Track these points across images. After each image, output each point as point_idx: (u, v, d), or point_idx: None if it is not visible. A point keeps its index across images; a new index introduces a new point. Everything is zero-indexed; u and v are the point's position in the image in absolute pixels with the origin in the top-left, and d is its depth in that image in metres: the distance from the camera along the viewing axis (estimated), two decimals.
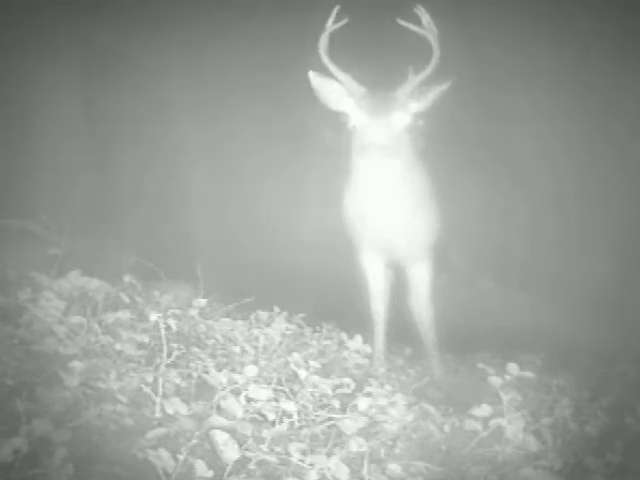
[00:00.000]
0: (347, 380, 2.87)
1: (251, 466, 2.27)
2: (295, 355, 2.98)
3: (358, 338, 3.45)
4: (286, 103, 5.06)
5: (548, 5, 4.85)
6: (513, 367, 2.88)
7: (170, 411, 2.43)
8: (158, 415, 2.45)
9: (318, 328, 3.58)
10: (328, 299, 4.40)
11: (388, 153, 3.61)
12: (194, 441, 2.23)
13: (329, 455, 2.38)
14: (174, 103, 5.24)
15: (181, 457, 2.16)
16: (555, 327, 4.75)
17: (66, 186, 5.03)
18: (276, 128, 5.15)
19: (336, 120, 3.79)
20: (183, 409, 2.45)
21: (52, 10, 4.88)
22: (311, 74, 3.71)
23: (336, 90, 3.72)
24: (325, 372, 3.06)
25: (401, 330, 4.00)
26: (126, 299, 3.10)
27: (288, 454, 2.36)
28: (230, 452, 2.25)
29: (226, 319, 3.35)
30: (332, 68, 3.70)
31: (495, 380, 2.84)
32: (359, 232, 3.91)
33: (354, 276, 4.03)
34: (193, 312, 3.18)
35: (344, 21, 3.71)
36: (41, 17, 4.90)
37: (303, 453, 2.38)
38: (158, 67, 5.20)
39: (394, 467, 2.44)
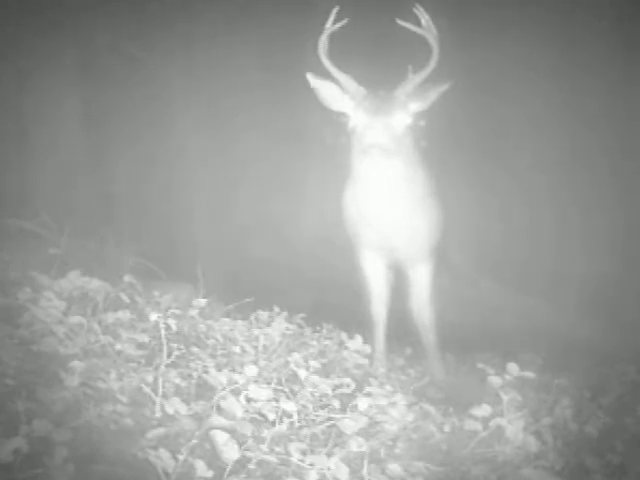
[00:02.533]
0: (347, 380, 2.87)
1: (251, 466, 2.27)
2: (295, 355, 2.97)
3: (358, 338, 3.44)
4: (286, 103, 5.06)
5: (548, 6, 4.85)
6: (513, 367, 2.88)
7: (170, 411, 2.43)
8: (158, 415, 2.45)
9: (318, 328, 3.57)
10: (328, 299, 4.40)
11: (389, 153, 3.61)
12: (194, 441, 2.23)
13: (329, 455, 2.37)
14: (175, 103, 5.24)
15: (181, 457, 2.16)
16: (555, 327, 4.75)
17: (67, 186, 5.03)
18: (276, 128, 5.15)
19: (336, 120, 3.79)
20: (183, 409, 2.45)
21: (52, 10, 4.88)
22: (309, 75, 3.70)
23: (335, 91, 3.71)
24: (325, 372, 3.05)
25: (401, 330, 4.00)
26: (126, 299, 3.10)
27: (288, 454, 2.36)
28: (230, 452, 2.25)
29: (226, 319, 3.35)
30: (331, 69, 3.69)
31: (495, 380, 2.84)
32: (359, 232, 3.90)
33: (354, 276, 4.03)
34: (193, 312, 3.18)
35: (344, 21, 3.70)
36: (42, 17, 4.90)
37: (303, 453, 2.37)
38: (159, 67, 5.20)
39: (394, 467, 2.44)
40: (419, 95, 3.68)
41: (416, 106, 3.69)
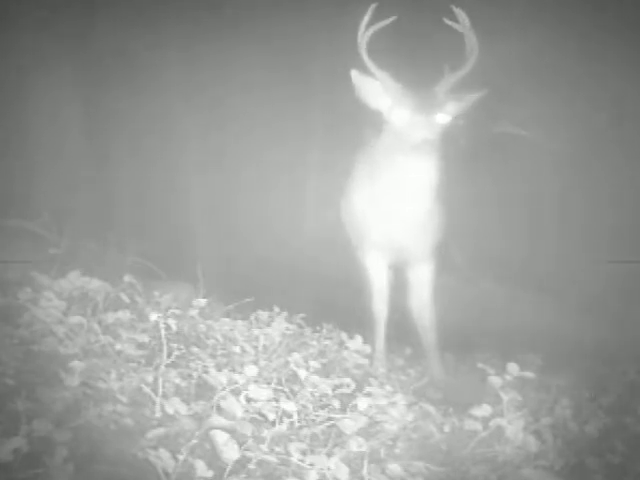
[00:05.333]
0: (347, 380, 2.87)
1: (251, 466, 2.27)
2: (295, 355, 2.98)
3: (358, 338, 3.45)
4: (287, 102, 5.06)
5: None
6: (513, 367, 2.88)
7: (170, 411, 2.43)
8: (158, 415, 2.45)
9: (318, 328, 3.58)
10: (328, 299, 4.40)
11: (430, 151, 3.59)
12: (194, 441, 2.23)
13: (329, 455, 2.37)
14: (174, 104, 5.24)
15: (181, 457, 2.16)
16: (555, 327, 4.74)
17: (67, 186, 5.03)
18: (276, 127, 5.15)
19: (335, 118, 3.77)
20: (183, 409, 2.45)
21: (52, 9, 4.89)
22: (354, 72, 3.64)
23: (378, 88, 3.65)
24: (325, 372, 3.06)
25: (401, 330, 4.00)
26: (126, 299, 3.10)
27: (288, 454, 2.36)
28: (230, 452, 2.25)
29: (226, 319, 3.35)
30: (371, 65, 3.63)
31: (495, 380, 2.84)
32: (368, 231, 3.88)
33: (355, 275, 4.03)
34: (193, 312, 3.18)
35: (391, 19, 3.62)
36: (42, 17, 4.90)
37: (303, 453, 2.38)
38: (159, 67, 5.20)
39: (394, 467, 2.44)
40: (456, 96, 3.66)
41: (453, 107, 3.65)
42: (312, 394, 2.74)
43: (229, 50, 5.08)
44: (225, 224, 5.15)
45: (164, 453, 2.16)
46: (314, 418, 2.64)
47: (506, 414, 2.73)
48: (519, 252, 5.01)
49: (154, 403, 2.49)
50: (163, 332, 2.79)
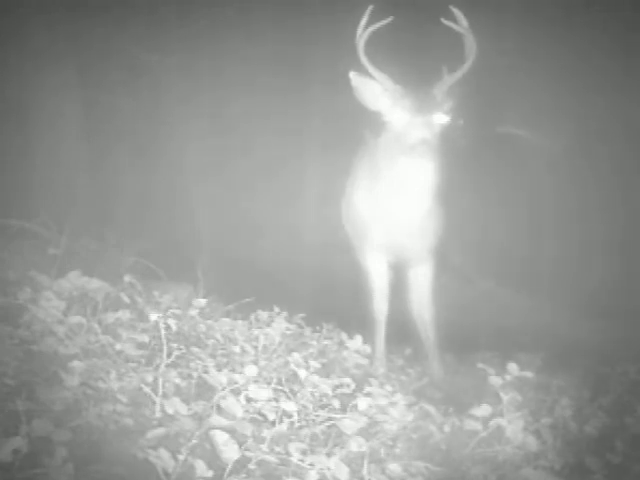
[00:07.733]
0: (347, 380, 2.87)
1: (251, 466, 2.27)
2: (295, 355, 2.97)
3: (358, 338, 3.45)
4: (286, 103, 5.07)
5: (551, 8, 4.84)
6: (513, 367, 2.88)
7: (170, 411, 2.43)
8: (158, 415, 2.45)
9: (318, 328, 3.57)
10: (328, 299, 4.40)
11: (429, 152, 3.60)
12: (194, 441, 2.23)
13: (329, 455, 2.37)
14: (174, 104, 5.25)
15: (181, 457, 2.16)
16: (555, 327, 4.75)
17: (67, 186, 5.04)
18: (276, 128, 5.16)
19: (332, 120, 3.78)
20: (183, 409, 2.45)
21: (52, 13, 4.89)
22: (352, 74, 3.66)
23: (377, 89, 3.67)
24: (325, 372, 3.05)
25: (401, 330, 4.00)
26: (126, 299, 3.10)
27: (288, 454, 2.36)
28: (230, 452, 2.25)
29: (226, 319, 3.35)
30: (370, 67, 3.64)
31: (495, 380, 2.84)
32: (369, 231, 3.88)
33: (354, 276, 4.03)
34: (193, 312, 3.18)
35: (387, 20, 3.62)
36: (45, 18, 4.90)
37: (303, 453, 2.37)
38: (159, 69, 5.21)
39: (394, 467, 2.44)
40: (451, 95, 3.66)
41: (451, 107, 3.66)
42: (312, 394, 2.73)
43: (229, 52, 5.08)
44: (225, 224, 5.15)
45: (164, 453, 2.16)
46: (314, 418, 2.64)
47: (506, 414, 2.73)
48: (519, 252, 5.02)
49: (154, 403, 2.49)
50: (163, 332, 2.79)
